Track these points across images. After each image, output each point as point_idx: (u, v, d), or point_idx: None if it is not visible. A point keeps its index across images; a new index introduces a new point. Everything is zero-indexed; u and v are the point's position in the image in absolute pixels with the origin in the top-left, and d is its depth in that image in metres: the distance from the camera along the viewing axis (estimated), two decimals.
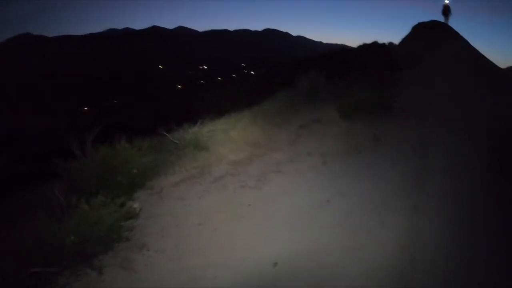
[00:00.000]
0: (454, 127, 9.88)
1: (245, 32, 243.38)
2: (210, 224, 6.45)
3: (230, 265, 5.37)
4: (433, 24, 24.05)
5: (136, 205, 6.71)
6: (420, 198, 6.68)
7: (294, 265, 5.38)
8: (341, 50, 25.08)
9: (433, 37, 20.62)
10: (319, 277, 5.04)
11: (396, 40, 24.73)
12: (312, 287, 4.85)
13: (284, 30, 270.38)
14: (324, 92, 13.50)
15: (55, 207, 5.69)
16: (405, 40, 22.79)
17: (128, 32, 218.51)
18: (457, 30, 23.55)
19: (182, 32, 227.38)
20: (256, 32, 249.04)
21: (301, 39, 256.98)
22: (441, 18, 24.52)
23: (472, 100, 11.95)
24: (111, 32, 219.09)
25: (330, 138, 9.95)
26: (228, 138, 10.23)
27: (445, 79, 13.21)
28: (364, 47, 23.88)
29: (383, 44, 23.99)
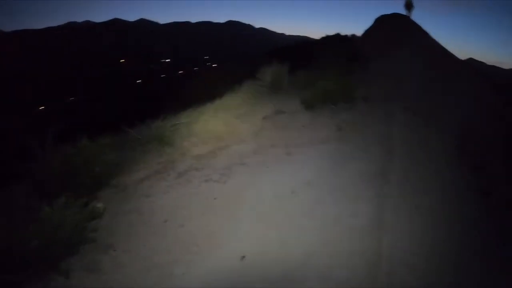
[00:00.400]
0: (417, 117, 10.19)
1: (208, 24, 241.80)
2: (176, 220, 6.41)
3: (198, 261, 5.38)
4: (395, 16, 24.59)
5: (100, 204, 6.56)
6: (385, 186, 6.87)
7: (262, 257, 5.41)
8: (304, 42, 25.29)
9: (395, 30, 21.12)
10: (288, 268, 5.10)
11: (359, 33, 25.23)
12: (281, 278, 4.91)
13: (246, 22, 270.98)
14: (288, 83, 13.59)
15: (15, 211, 5.51)
16: (367, 32, 23.23)
17: (89, 25, 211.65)
18: (420, 23, 24.34)
19: (144, 25, 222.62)
20: (218, 24, 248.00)
21: (264, 31, 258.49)
22: (404, 11, 25.25)
23: (434, 91, 12.38)
24: (71, 25, 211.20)
25: (294, 129, 10.03)
26: (191, 132, 10.16)
27: (407, 71, 13.57)
28: (327, 39, 24.20)
29: (346, 36, 24.42)
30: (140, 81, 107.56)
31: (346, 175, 7.37)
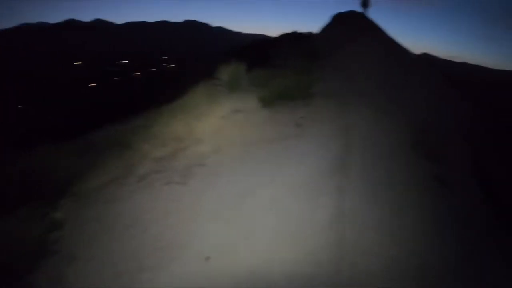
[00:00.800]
0: (373, 110, 10.48)
1: (165, 24, 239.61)
2: (139, 225, 6.41)
3: (164, 265, 5.41)
4: (352, 14, 25.09)
5: (59, 214, 6.42)
6: (343, 179, 7.03)
7: (226, 257, 5.45)
8: (262, 40, 25.44)
9: (351, 27, 21.51)
10: (253, 265, 5.15)
11: (316, 30, 25.56)
12: (246, 275, 4.95)
13: (203, 21, 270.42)
14: (246, 82, 13.62)
15: None
16: (324, 30, 23.51)
17: (43, 26, 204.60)
18: (376, 20, 24.96)
19: (100, 25, 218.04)
20: (175, 23, 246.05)
21: (221, 30, 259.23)
22: (360, 9, 25.80)
23: (390, 85, 12.76)
24: (25, 27, 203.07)
25: (252, 128, 10.09)
26: (151, 134, 10.10)
27: (363, 67, 13.91)
28: (284, 37, 24.41)
29: (303, 34, 24.70)
30: (95, 84, 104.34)
31: (306, 171, 7.50)
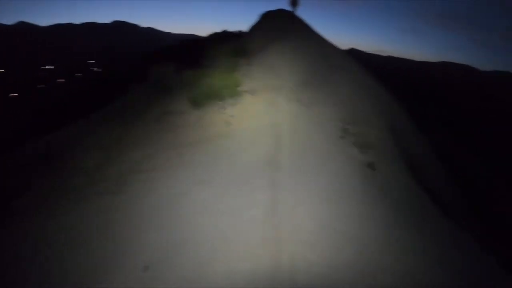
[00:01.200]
0: (301, 105, 10.74)
1: (93, 25, 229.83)
2: (79, 240, 6.29)
3: (107, 275, 5.39)
4: (280, 13, 25.45)
5: None
6: (277, 174, 7.18)
7: (166, 263, 5.38)
8: (192, 40, 25.22)
9: (280, 25, 21.86)
10: (192, 267, 5.15)
11: (246, 29, 25.78)
12: (186, 278, 4.92)
13: (132, 21, 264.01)
14: (176, 83, 13.49)
15: None
16: (253, 28, 23.72)
17: None
18: (304, 19, 25.48)
19: (23, 28, 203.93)
20: (104, 24, 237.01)
21: (150, 31, 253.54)
22: (289, 8, 26.23)
23: (318, 79, 13.12)
24: None
25: (183, 129, 10.00)
26: (80, 144, 9.93)
27: (291, 64, 14.21)
28: (214, 36, 24.45)
29: (233, 33, 24.87)
30: (16, 94, 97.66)
31: (239, 169, 7.56)
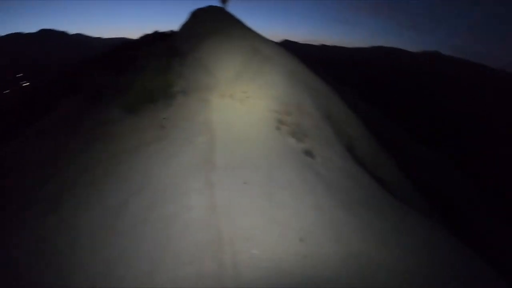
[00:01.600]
0: (234, 100, 10.67)
1: (17, 36, 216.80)
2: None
3: None
4: (211, 9, 25.24)
5: None
6: (212, 173, 7.03)
7: (107, 280, 5.24)
8: (123, 44, 24.39)
9: (211, 22, 21.67)
10: (135, 280, 5.05)
11: (177, 28, 25.32)
12: None
13: (60, 29, 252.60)
14: (109, 91, 12.99)
15: None
16: (184, 27, 23.37)
17: None
18: (235, 14, 25.41)
19: None
20: (30, 34, 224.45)
21: (80, 37, 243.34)
22: (220, 4, 26.01)
23: (250, 73, 13.07)
24: None
25: (118, 138, 9.67)
26: (17, 161, 9.43)
27: (222, 60, 14.09)
28: (145, 38, 23.82)
29: (165, 33, 24.35)
30: None
31: (174, 172, 7.35)
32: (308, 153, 8.91)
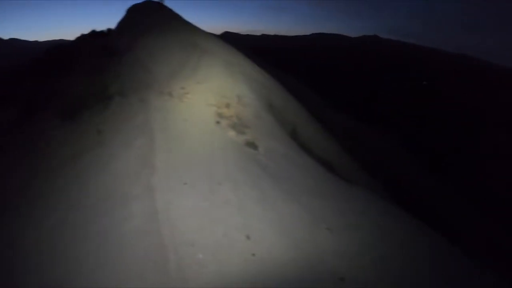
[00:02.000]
0: (171, 97, 10.39)
1: None
2: None
3: None
4: (148, 5, 24.41)
5: None
6: (152, 176, 6.76)
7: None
8: (56, 47, 23.10)
9: (149, 18, 20.98)
10: None
11: (115, 26, 24.33)
12: None
13: None
14: (43, 98, 12.28)
15: None
16: (121, 25, 22.54)
17: None
18: (173, 8, 24.76)
19: None
20: None
21: (15, 42, 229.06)
22: None
23: (188, 68, 12.76)
24: None
25: (55, 149, 9.13)
26: None
27: (160, 57, 13.66)
28: (81, 38, 22.75)
29: (102, 32, 23.36)
30: None
31: (113, 180, 7.00)
32: (251, 144, 8.84)
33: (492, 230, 19.08)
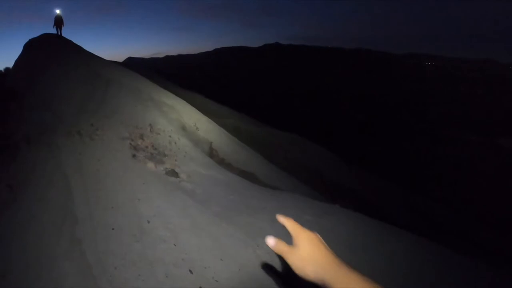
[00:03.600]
0: (82, 137, 9.55)
1: None
2: None
3: None
4: (45, 38, 22.55)
5: None
6: (75, 229, 6.06)
7: None
8: None
9: (47, 52, 19.31)
10: None
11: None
12: None
13: None
14: None
15: None
16: (18, 62, 20.41)
17: None
18: (72, 38, 23.23)
19: None
20: None
21: None
22: (55, 31, 23.40)
23: (96, 102, 11.87)
24: None
25: None
26: None
27: (69, 93, 12.50)
28: None
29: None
30: None
31: (32, 242, 6.01)
32: (172, 172, 8.42)
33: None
